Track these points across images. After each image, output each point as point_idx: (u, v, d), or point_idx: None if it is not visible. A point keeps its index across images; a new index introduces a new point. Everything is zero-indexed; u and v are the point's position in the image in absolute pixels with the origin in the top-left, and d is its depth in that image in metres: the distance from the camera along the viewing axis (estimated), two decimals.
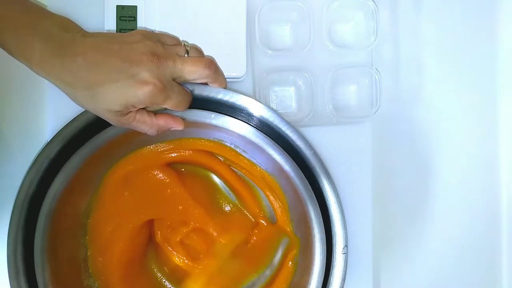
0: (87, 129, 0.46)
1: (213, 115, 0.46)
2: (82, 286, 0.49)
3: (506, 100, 0.56)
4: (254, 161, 0.50)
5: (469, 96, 0.56)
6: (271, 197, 0.52)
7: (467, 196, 0.56)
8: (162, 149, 0.50)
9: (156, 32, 0.48)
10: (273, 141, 0.46)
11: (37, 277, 0.45)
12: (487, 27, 0.56)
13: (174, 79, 0.43)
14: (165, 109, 0.44)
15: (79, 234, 0.50)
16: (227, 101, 0.47)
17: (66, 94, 0.41)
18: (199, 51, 0.46)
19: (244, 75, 0.50)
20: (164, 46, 0.43)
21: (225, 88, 0.46)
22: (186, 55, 0.44)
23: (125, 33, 0.43)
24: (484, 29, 0.56)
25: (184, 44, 0.45)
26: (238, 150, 0.50)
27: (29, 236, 0.45)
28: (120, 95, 0.40)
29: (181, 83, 0.44)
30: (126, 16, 0.48)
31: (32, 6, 0.41)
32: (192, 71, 0.43)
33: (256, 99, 0.47)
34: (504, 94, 0.56)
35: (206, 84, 0.46)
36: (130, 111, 0.42)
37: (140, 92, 0.40)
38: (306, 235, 0.48)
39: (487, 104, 0.56)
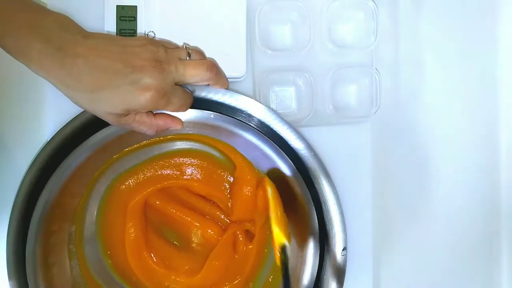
0: (86, 129, 0.46)
1: (212, 115, 0.46)
2: None
3: (507, 100, 0.56)
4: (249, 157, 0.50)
5: (469, 96, 0.56)
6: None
7: (467, 196, 0.56)
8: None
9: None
10: (270, 140, 0.47)
11: (28, 282, 0.45)
12: (487, 27, 0.56)
13: (176, 83, 0.43)
14: None
15: (69, 240, 0.50)
16: (225, 101, 0.47)
17: (65, 95, 0.40)
18: (201, 53, 0.46)
19: (244, 75, 0.50)
20: (166, 50, 0.42)
21: (227, 89, 0.46)
22: (188, 58, 0.44)
23: (126, 37, 0.43)
24: (484, 29, 0.56)
25: (185, 47, 0.45)
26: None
27: (28, 235, 0.45)
28: (122, 100, 0.40)
29: (182, 85, 0.44)
30: (126, 16, 0.48)
31: (32, 4, 0.40)
32: (194, 75, 0.43)
33: (256, 99, 0.47)
34: (505, 94, 0.56)
35: (208, 85, 0.46)
36: (130, 113, 0.42)
37: (142, 98, 0.40)
38: (301, 233, 0.48)
39: (487, 103, 0.56)
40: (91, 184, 0.49)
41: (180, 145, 0.51)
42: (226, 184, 0.53)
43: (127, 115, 0.42)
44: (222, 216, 0.53)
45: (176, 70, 0.42)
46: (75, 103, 0.41)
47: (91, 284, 0.50)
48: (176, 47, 0.45)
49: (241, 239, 0.52)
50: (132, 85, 0.39)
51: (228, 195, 0.53)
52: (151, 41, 0.42)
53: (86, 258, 0.50)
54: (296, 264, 0.49)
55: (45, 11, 0.41)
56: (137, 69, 0.40)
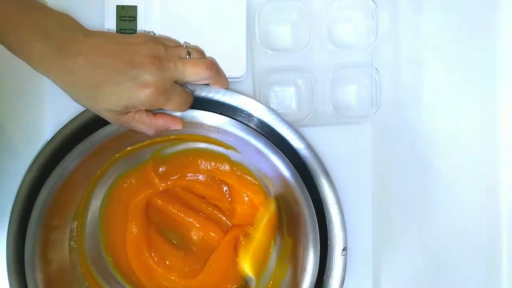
0: (86, 129, 0.46)
1: (211, 115, 0.46)
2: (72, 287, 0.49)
3: (507, 99, 0.56)
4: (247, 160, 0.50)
5: (469, 96, 0.56)
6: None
7: (467, 196, 0.56)
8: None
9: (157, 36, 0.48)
10: (269, 141, 0.47)
11: (27, 277, 0.45)
12: (487, 27, 0.56)
13: (175, 81, 0.43)
14: None
15: (71, 236, 0.50)
16: (225, 101, 0.47)
17: (66, 92, 0.41)
18: (201, 52, 0.46)
19: (244, 75, 0.50)
20: (166, 48, 0.43)
21: (226, 89, 0.46)
22: (187, 57, 0.44)
23: (127, 35, 0.43)
24: (484, 29, 0.56)
25: (186, 45, 0.45)
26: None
27: (27, 230, 0.45)
28: (121, 97, 0.40)
29: (182, 84, 0.44)
30: (126, 16, 0.48)
31: (33, 3, 0.41)
32: (193, 73, 0.43)
33: (256, 99, 0.47)
34: (505, 93, 0.56)
35: (207, 85, 0.46)
36: (130, 111, 0.42)
37: (142, 94, 0.40)
38: (300, 235, 0.48)
39: (487, 103, 0.56)
40: (94, 181, 0.49)
41: (183, 145, 0.51)
42: (225, 187, 0.53)
43: (127, 113, 0.42)
44: (224, 219, 0.53)
45: (176, 67, 0.42)
46: (75, 101, 0.41)
47: (91, 281, 0.50)
48: (177, 44, 0.45)
49: (242, 242, 0.52)
50: (131, 81, 0.40)
51: (229, 198, 0.53)
52: (152, 39, 0.42)
53: (87, 254, 0.50)
54: (297, 264, 0.49)
55: (46, 9, 0.41)
56: (136, 66, 0.40)
